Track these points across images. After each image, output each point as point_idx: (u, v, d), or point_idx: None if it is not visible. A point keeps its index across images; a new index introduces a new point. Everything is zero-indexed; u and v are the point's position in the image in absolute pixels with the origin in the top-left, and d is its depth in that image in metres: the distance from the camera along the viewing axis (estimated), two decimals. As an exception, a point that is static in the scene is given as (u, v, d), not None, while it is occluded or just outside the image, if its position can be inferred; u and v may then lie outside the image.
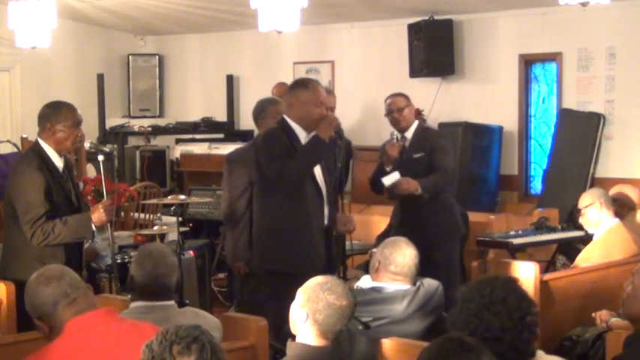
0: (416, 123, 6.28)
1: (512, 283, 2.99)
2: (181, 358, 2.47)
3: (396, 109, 6.17)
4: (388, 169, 6.07)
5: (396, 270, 4.47)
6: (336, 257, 5.39)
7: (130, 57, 11.27)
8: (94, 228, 4.98)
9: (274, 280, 5.13)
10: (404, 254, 4.49)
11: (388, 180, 5.96)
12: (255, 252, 5.38)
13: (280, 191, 5.12)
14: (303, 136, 5.17)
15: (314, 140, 5.11)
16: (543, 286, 5.23)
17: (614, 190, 6.48)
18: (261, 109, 6.04)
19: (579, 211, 6.00)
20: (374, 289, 4.48)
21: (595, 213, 5.89)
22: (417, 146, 6.15)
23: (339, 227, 5.34)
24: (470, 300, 2.94)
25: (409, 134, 6.20)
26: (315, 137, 5.11)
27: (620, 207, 6.29)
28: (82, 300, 3.16)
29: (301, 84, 5.32)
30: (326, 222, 5.24)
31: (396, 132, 6.18)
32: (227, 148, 8.23)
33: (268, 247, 5.23)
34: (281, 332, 3.83)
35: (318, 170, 5.23)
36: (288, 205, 5.12)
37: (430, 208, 6.07)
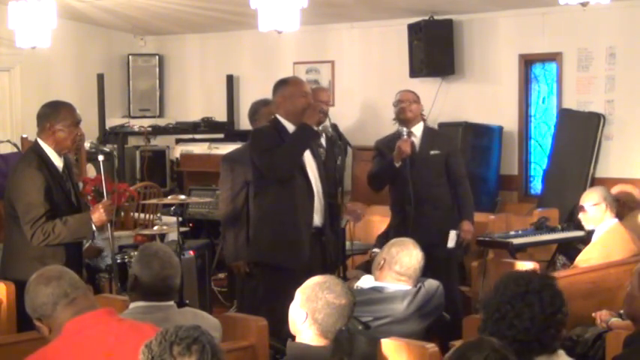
0: (422, 123, 6.30)
1: (550, 279, 3.09)
2: (182, 358, 2.47)
3: (405, 100, 6.22)
4: (398, 164, 6.05)
5: (400, 270, 4.47)
6: (335, 256, 5.41)
7: (130, 57, 11.27)
8: (94, 228, 4.98)
9: (266, 275, 5.22)
10: (410, 255, 4.49)
11: (451, 242, 6.06)
12: (249, 246, 5.50)
13: (273, 184, 5.20)
14: None
15: (301, 126, 5.21)
16: (543, 286, 5.21)
17: (615, 190, 6.47)
18: (254, 111, 6.15)
19: (582, 207, 6.00)
20: (374, 289, 4.48)
21: (599, 213, 5.90)
22: (431, 144, 6.20)
23: (348, 219, 5.44)
24: (506, 286, 3.01)
25: (417, 131, 6.22)
26: (302, 124, 5.21)
27: (621, 207, 6.29)
28: (82, 300, 3.15)
29: (282, 82, 5.48)
30: (320, 220, 5.28)
31: (404, 129, 6.14)
32: (227, 148, 8.22)
33: (257, 240, 5.37)
34: (281, 332, 3.83)
35: (312, 167, 5.28)
36: (277, 201, 5.23)
37: (431, 208, 6.08)
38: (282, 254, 5.19)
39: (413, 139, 6.15)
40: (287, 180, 5.20)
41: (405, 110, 6.20)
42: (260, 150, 5.24)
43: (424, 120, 7.96)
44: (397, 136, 6.17)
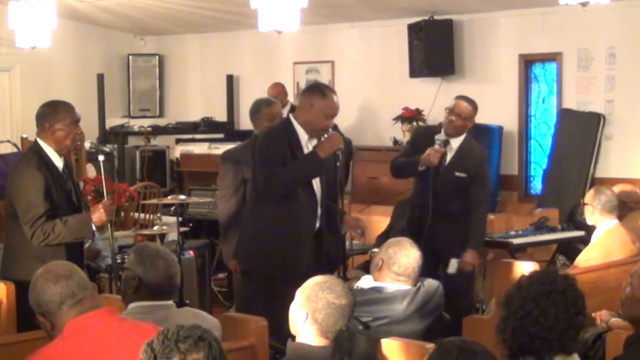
0: (463, 137, 5.96)
1: (573, 280, 3.10)
2: (190, 354, 2.47)
3: (458, 114, 5.87)
4: (421, 169, 5.86)
5: (399, 270, 4.47)
6: (335, 257, 5.37)
7: (130, 57, 11.28)
8: (94, 228, 4.98)
9: (261, 281, 5.11)
10: (408, 255, 4.48)
11: (452, 268, 5.80)
12: (242, 251, 5.32)
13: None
14: (305, 138, 5.07)
15: (310, 156, 5.02)
16: (543, 286, 5.21)
17: (615, 190, 6.47)
18: (256, 110, 6.01)
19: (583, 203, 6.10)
20: (374, 289, 4.48)
21: (587, 214, 5.96)
22: (461, 164, 5.91)
23: (346, 229, 5.33)
24: (530, 284, 3.03)
25: (455, 144, 5.92)
26: (312, 153, 5.02)
27: (621, 207, 6.29)
28: (88, 301, 3.14)
29: (320, 91, 5.13)
30: (319, 223, 5.21)
31: (441, 135, 5.88)
32: (227, 148, 8.22)
33: (254, 248, 5.17)
34: (281, 332, 3.83)
35: None
36: (278, 209, 5.04)
37: (447, 220, 5.95)
38: (280, 265, 5.00)
39: (447, 150, 5.90)
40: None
41: (451, 125, 5.87)
42: (264, 159, 5.05)
43: (424, 120, 7.93)
44: (436, 130, 5.94)
